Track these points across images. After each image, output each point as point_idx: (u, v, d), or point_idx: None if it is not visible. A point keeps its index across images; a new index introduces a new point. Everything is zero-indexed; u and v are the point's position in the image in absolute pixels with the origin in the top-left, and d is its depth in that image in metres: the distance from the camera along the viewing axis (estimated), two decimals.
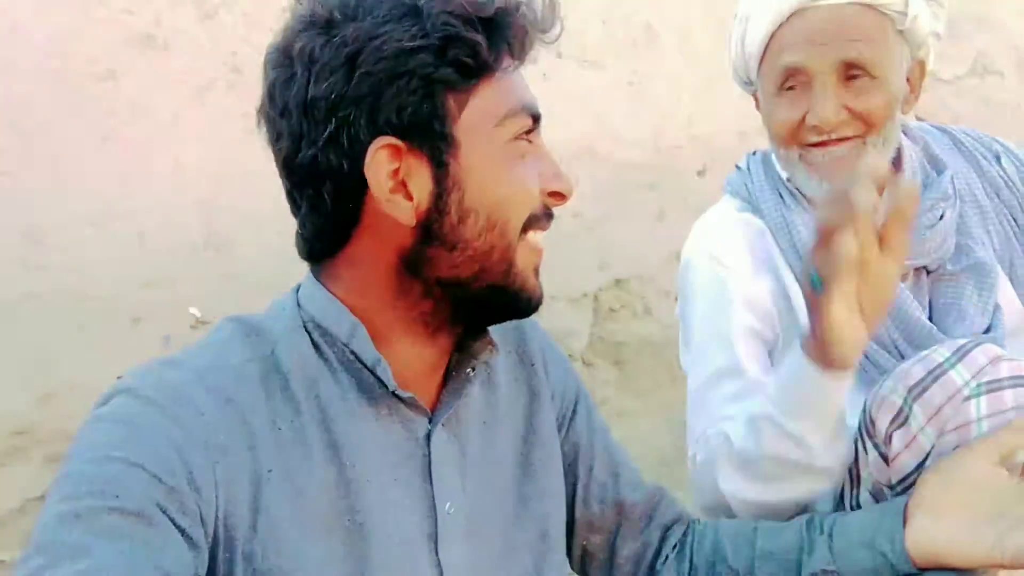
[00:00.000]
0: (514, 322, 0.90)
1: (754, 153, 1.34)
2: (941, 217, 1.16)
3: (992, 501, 0.82)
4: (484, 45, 0.70)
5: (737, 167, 1.35)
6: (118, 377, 0.71)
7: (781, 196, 1.22)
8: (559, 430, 0.92)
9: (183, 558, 0.61)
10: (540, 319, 2.84)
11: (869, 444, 0.95)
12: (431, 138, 0.71)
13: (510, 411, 0.87)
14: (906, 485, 0.93)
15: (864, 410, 0.97)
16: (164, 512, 0.61)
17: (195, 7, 1.88)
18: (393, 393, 0.74)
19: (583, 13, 2.47)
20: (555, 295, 2.52)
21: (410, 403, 0.75)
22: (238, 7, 1.94)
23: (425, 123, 0.71)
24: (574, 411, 0.94)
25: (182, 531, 0.62)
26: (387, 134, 0.70)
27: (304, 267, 0.81)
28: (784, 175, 1.24)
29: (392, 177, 0.71)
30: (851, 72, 1.11)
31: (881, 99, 1.11)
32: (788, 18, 1.14)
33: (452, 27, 0.68)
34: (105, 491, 0.60)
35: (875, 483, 0.98)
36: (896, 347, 1.14)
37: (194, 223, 1.81)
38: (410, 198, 0.71)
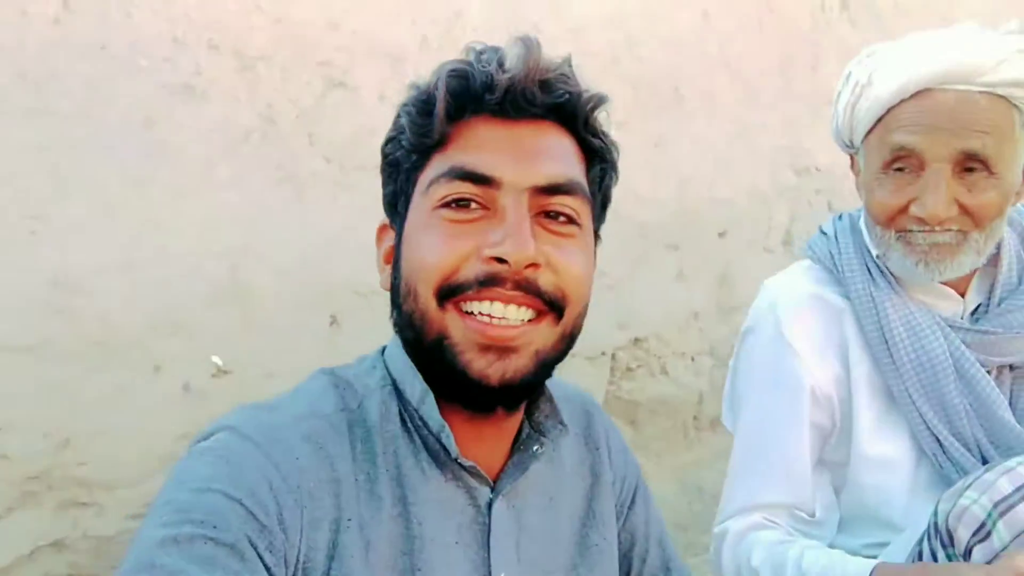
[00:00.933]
0: (582, 405, 0.93)
1: (840, 217, 1.26)
2: None
3: None
4: (431, 124, 0.73)
5: (822, 231, 1.26)
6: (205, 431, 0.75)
7: (869, 272, 1.15)
8: (617, 517, 0.92)
9: None
10: (557, 374, 2.85)
11: (941, 552, 0.92)
12: (397, 214, 0.78)
13: (572, 491, 0.88)
14: None
15: (936, 513, 0.93)
16: (254, 548, 0.63)
17: (234, 58, 1.90)
18: (456, 460, 0.75)
19: (612, 79, 2.50)
20: (573, 352, 2.49)
21: (472, 472, 0.77)
22: (276, 61, 1.96)
23: (393, 202, 0.79)
24: (632, 500, 0.95)
25: (267, 568, 0.64)
26: (386, 216, 0.81)
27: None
28: (875, 251, 1.17)
29: (386, 252, 0.81)
30: (969, 164, 1.04)
31: (996, 196, 1.05)
32: (912, 95, 1.06)
33: (408, 114, 0.75)
34: (205, 521, 0.62)
35: None
36: (978, 445, 1.11)
37: (221, 272, 1.82)
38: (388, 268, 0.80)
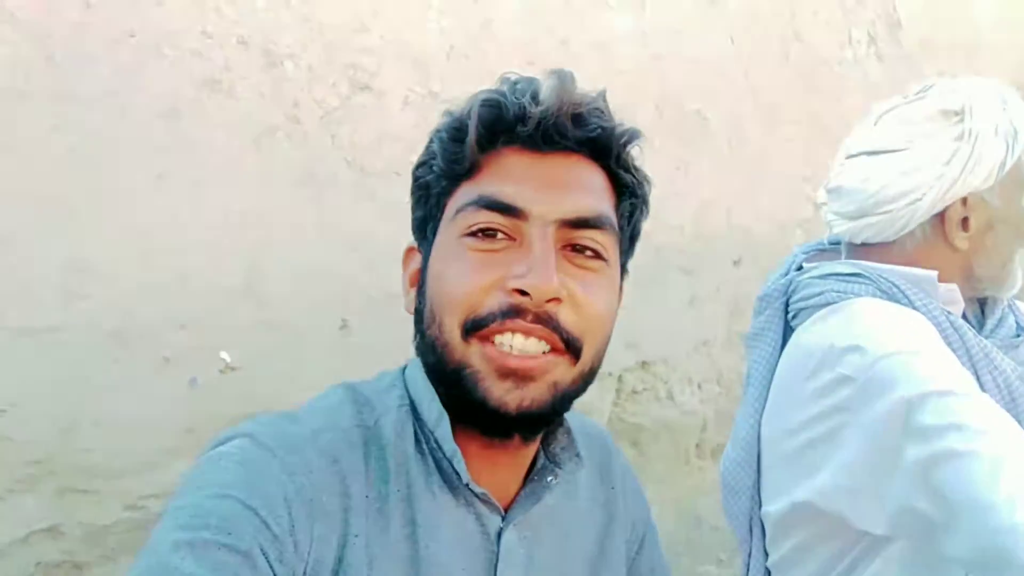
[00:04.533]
0: (601, 441, 0.93)
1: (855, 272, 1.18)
2: None
3: None
4: (463, 152, 0.73)
5: (854, 275, 1.17)
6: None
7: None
8: (626, 560, 0.91)
9: None
10: None
11: None
12: (424, 239, 0.79)
13: (585, 527, 0.86)
14: None
15: None
16: (266, 557, 0.63)
17: (263, 56, 1.90)
18: (467, 486, 0.75)
19: (636, 97, 2.50)
20: None
21: (483, 499, 0.76)
22: (304, 60, 1.96)
23: (421, 227, 0.79)
24: (642, 544, 0.94)
25: None
26: (415, 239, 0.82)
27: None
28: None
29: (411, 275, 0.81)
30: None
31: None
32: None
33: (440, 140, 0.76)
34: (220, 527, 0.63)
35: None
36: None
37: (236, 269, 1.81)
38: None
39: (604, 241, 0.75)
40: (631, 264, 0.89)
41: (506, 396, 0.71)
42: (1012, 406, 1.11)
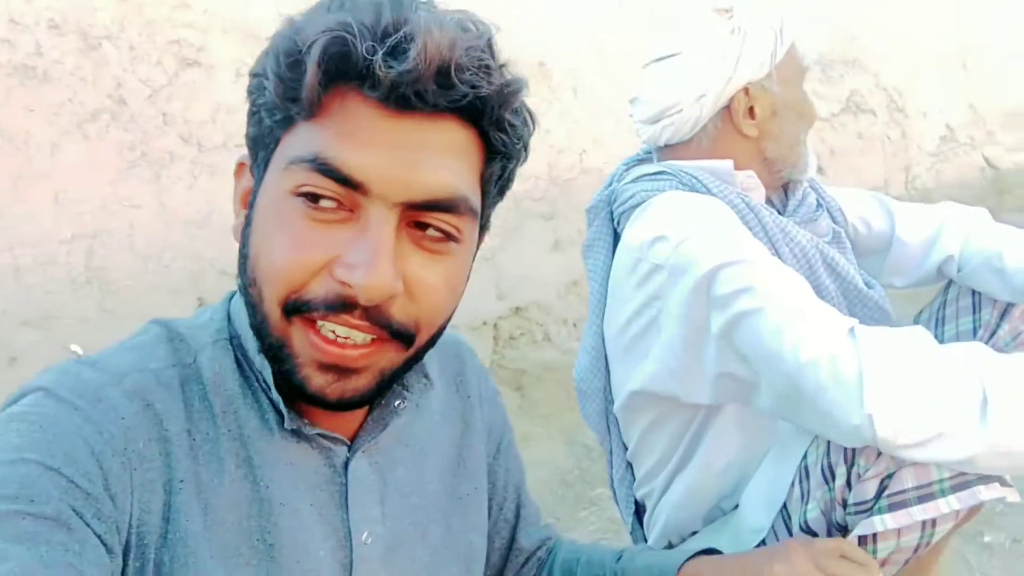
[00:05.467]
0: (455, 350, 0.88)
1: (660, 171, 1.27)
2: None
3: None
4: (299, 88, 0.62)
5: (656, 174, 1.25)
6: None
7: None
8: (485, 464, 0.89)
9: (100, 563, 0.59)
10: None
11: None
12: (256, 162, 0.68)
13: (441, 442, 0.83)
14: (861, 508, 0.95)
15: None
16: (80, 517, 0.58)
17: (79, 38, 1.84)
18: (298, 430, 0.70)
19: None
20: (455, 324, 2.51)
21: (323, 434, 0.71)
22: (124, 39, 1.91)
23: (253, 146, 0.68)
24: (498, 447, 0.92)
25: (99, 536, 0.59)
26: (248, 152, 0.69)
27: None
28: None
29: (242, 194, 0.70)
30: None
31: None
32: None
33: (276, 60, 0.63)
34: (20, 495, 0.57)
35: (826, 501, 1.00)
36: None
37: (75, 258, 1.76)
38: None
39: (458, 223, 0.65)
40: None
41: (326, 388, 0.65)
42: (810, 272, 1.21)
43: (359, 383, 0.66)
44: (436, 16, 0.62)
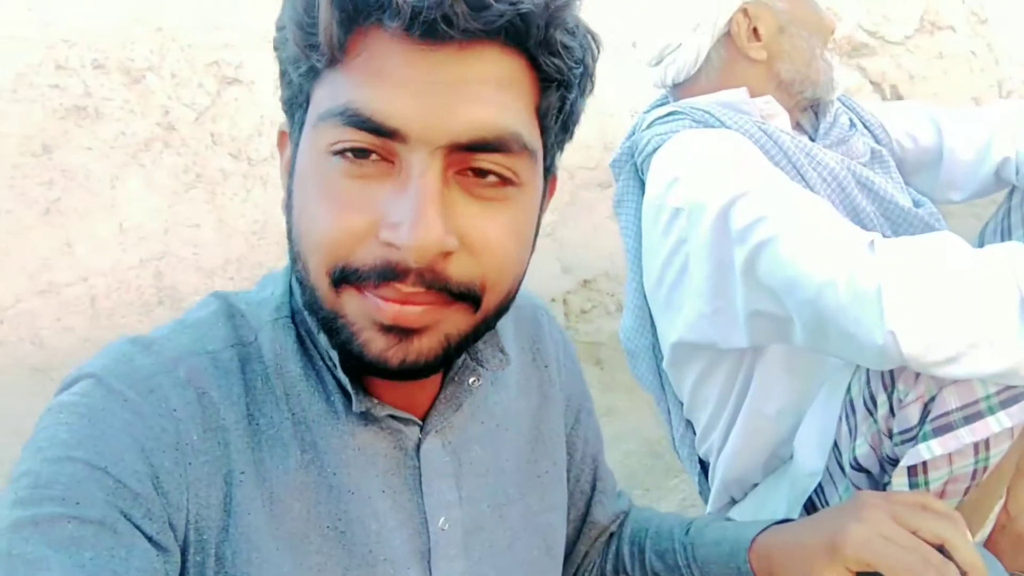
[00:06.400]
0: (533, 315, 0.82)
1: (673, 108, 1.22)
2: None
3: None
4: (316, 34, 0.56)
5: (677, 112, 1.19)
6: None
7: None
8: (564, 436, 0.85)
9: (151, 566, 0.56)
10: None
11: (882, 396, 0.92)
12: (292, 124, 0.63)
13: (519, 415, 0.78)
14: (906, 437, 0.89)
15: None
16: (128, 519, 0.56)
17: (122, 74, 1.93)
18: (367, 412, 0.66)
19: None
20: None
21: (393, 415, 0.67)
22: (165, 68, 1.98)
23: (289, 108, 0.62)
24: (577, 417, 0.87)
25: (149, 538, 0.57)
26: (286, 118, 0.65)
27: None
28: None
29: (287, 163, 0.64)
30: None
31: None
32: None
33: (293, 6, 0.57)
34: (66, 497, 0.55)
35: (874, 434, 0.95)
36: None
37: (144, 281, 1.84)
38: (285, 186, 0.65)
39: (513, 164, 0.58)
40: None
41: (387, 352, 0.59)
42: (843, 195, 1.14)
43: (422, 345, 0.60)
44: None
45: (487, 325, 0.63)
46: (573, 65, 0.59)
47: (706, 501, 1.35)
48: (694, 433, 1.31)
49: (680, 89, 1.24)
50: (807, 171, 1.13)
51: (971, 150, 1.27)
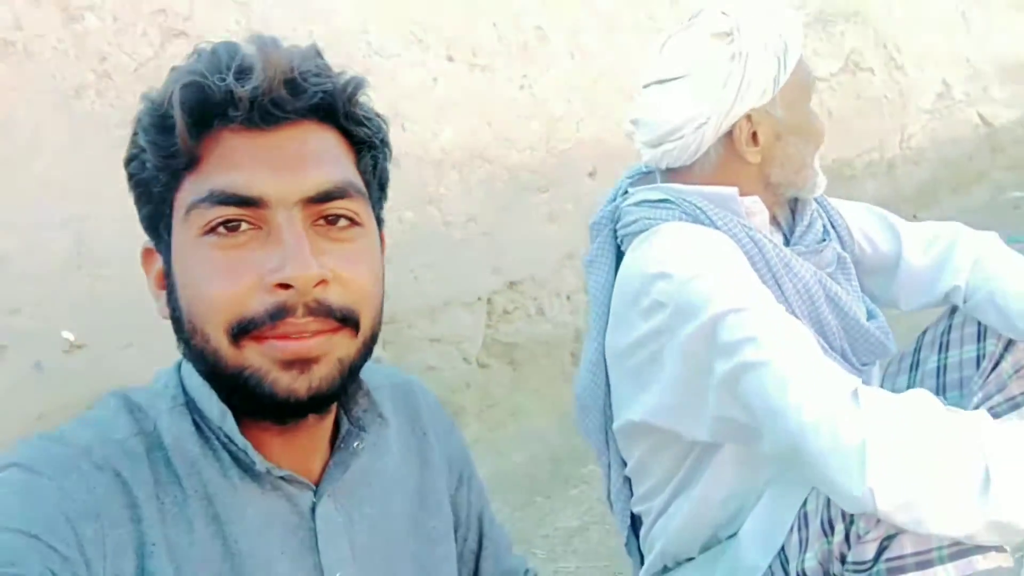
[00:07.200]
0: (405, 389, 0.91)
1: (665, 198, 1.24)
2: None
3: None
4: (175, 145, 0.67)
5: (655, 201, 1.24)
6: None
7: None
8: (448, 497, 0.93)
9: None
10: (436, 325, 2.80)
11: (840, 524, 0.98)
12: (160, 238, 0.73)
13: (403, 479, 0.87)
14: (859, 569, 0.96)
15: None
16: None
17: (59, 10, 1.76)
18: (268, 471, 0.74)
19: (472, 15, 2.45)
20: (450, 300, 2.51)
21: (289, 479, 0.75)
22: (107, 10, 1.83)
23: (152, 224, 0.73)
24: (460, 478, 0.95)
25: None
26: (149, 238, 0.75)
27: None
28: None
29: (156, 277, 0.75)
30: None
31: None
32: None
33: (146, 132, 0.68)
34: (3, 561, 0.61)
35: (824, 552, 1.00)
36: (844, 356, 1.23)
37: (63, 244, 1.72)
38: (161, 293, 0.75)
39: (355, 207, 0.71)
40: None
41: (294, 384, 0.69)
42: (811, 307, 1.21)
43: (322, 372, 0.69)
44: (265, 41, 0.69)
45: (368, 350, 0.75)
46: (375, 132, 0.75)
47: (630, 554, 1.41)
48: (631, 492, 1.36)
49: (671, 172, 1.26)
50: (784, 281, 1.18)
51: (927, 268, 1.37)
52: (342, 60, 0.75)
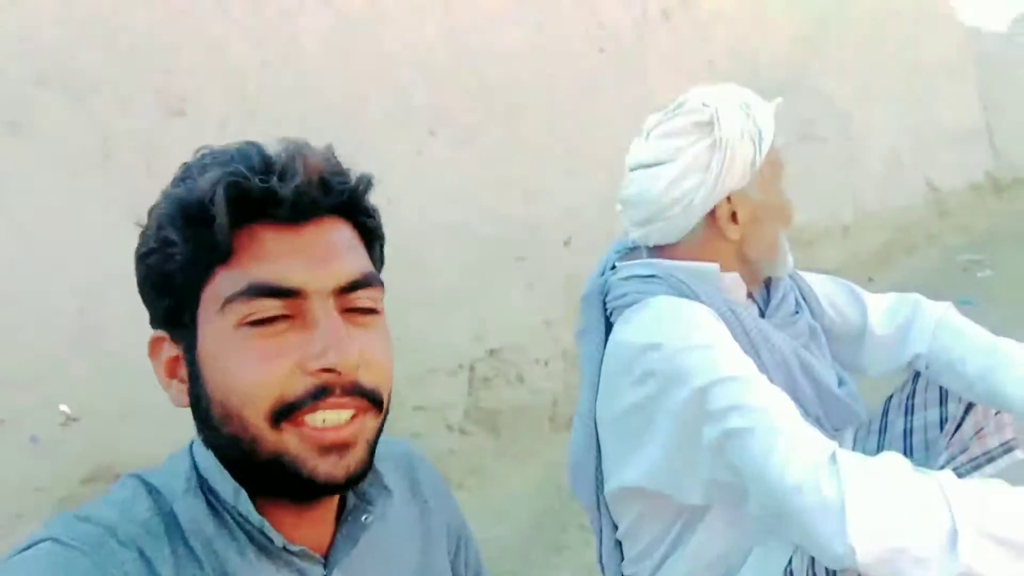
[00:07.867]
0: (406, 459, 0.97)
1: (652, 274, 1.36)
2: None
3: None
4: (212, 238, 0.71)
5: (645, 275, 1.34)
6: None
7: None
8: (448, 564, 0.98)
9: None
10: (419, 393, 2.83)
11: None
12: (181, 328, 0.76)
13: (406, 547, 0.91)
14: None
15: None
16: None
17: (64, 92, 1.83)
18: (284, 548, 0.77)
19: (451, 95, 2.57)
20: (433, 368, 2.57)
21: (301, 555, 0.78)
22: (108, 89, 1.90)
23: (172, 315, 0.76)
24: (458, 545, 1.00)
25: None
26: (159, 327, 0.78)
27: None
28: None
29: (167, 365, 0.77)
30: None
31: None
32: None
33: (175, 225, 0.72)
34: None
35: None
36: (819, 422, 1.31)
37: (67, 316, 1.75)
38: (183, 384, 0.77)
39: (376, 296, 0.77)
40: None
41: (333, 470, 0.73)
42: (788, 376, 1.31)
43: (358, 456, 0.74)
44: (291, 144, 0.74)
45: (383, 427, 0.79)
46: (379, 225, 0.82)
47: None
48: (622, 555, 1.42)
49: (658, 249, 1.36)
50: (763, 352, 1.28)
51: (891, 337, 1.48)
52: (332, 135, 0.83)
